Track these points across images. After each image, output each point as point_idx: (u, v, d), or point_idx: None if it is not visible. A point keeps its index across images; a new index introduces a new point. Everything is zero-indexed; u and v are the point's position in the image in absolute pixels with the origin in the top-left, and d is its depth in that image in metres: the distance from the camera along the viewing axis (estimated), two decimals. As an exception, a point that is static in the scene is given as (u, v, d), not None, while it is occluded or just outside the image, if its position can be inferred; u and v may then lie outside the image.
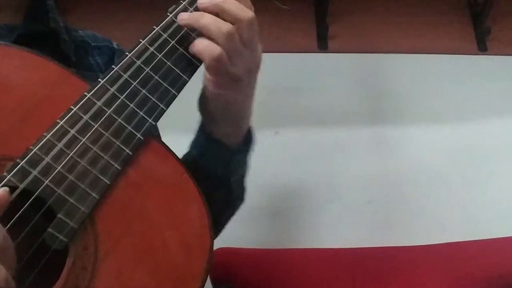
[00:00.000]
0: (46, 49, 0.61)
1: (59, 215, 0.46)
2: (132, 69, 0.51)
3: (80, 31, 0.69)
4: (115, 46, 0.70)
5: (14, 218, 0.44)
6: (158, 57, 0.52)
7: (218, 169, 0.59)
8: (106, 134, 0.49)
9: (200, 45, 0.50)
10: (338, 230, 1.16)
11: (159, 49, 0.52)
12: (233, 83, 0.52)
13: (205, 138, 0.59)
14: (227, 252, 0.98)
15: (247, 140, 0.60)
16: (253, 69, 0.53)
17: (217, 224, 0.62)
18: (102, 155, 0.49)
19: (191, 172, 0.52)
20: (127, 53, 0.52)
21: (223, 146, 0.58)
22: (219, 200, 0.59)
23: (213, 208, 0.52)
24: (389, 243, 1.08)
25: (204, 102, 0.57)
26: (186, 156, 0.62)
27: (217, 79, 0.52)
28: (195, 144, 0.62)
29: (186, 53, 0.53)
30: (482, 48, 1.32)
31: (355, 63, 1.30)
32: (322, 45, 1.29)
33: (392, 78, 1.28)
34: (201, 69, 0.55)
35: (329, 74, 1.26)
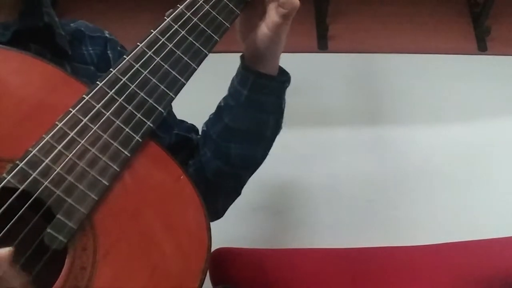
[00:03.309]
0: (42, 44, 0.62)
1: (58, 216, 0.47)
2: (130, 72, 0.52)
3: (72, 24, 0.70)
4: (107, 36, 0.71)
5: (14, 219, 0.45)
6: (156, 60, 0.53)
7: (270, 99, 0.66)
8: (105, 136, 0.50)
9: None
10: (338, 230, 1.16)
11: (157, 52, 0.53)
12: (286, 24, 0.61)
13: (254, 75, 0.64)
14: (227, 252, 0.98)
15: (282, 72, 0.68)
16: None
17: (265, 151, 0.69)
18: (101, 156, 0.49)
19: (189, 177, 0.53)
20: (125, 56, 0.52)
21: (273, 78, 0.65)
22: (272, 126, 0.68)
23: (266, 128, 0.66)
24: (389, 243, 1.08)
25: (264, 43, 0.63)
26: (235, 96, 0.66)
27: (284, 22, 0.61)
28: (242, 84, 0.65)
29: (183, 56, 0.54)
30: (482, 48, 1.32)
31: (355, 63, 1.30)
32: (322, 45, 1.30)
33: (392, 78, 1.28)
34: (199, 72, 0.55)
35: (329, 74, 1.27)
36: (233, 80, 0.67)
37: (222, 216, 0.74)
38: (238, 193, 0.73)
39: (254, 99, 0.65)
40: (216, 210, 0.72)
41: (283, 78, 0.67)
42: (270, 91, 0.65)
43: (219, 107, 0.68)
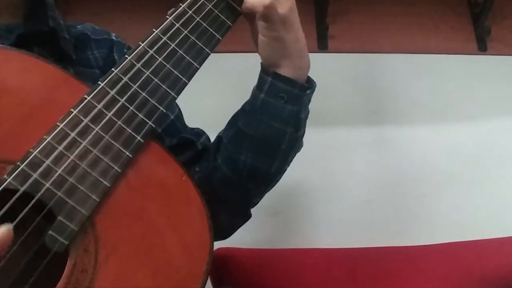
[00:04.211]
0: (46, 48, 0.61)
1: (60, 218, 0.46)
2: (131, 72, 0.51)
3: (78, 26, 0.69)
4: (114, 38, 0.70)
5: (15, 221, 0.45)
6: (158, 60, 0.52)
7: (287, 107, 0.62)
8: (106, 137, 0.49)
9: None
10: (338, 230, 1.16)
11: (159, 51, 0.53)
12: (281, 24, 0.58)
13: (271, 77, 0.61)
14: (227, 252, 0.98)
15: (308, 81, 0.65)
16: (293, 7, 0.59)
17: (285, 165, 0.66)
18: (102, 157, 0.49)
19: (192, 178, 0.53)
20: (126, 56, 0.52)
21: (294, 83, 0.61)
22: (288, 139, 0.63)
23: (281, 139, 0.61)
24: (389, 243, 1.08)
25: (263, 48, 0.61)
26: (252, 101, 0.63)
27: (269, 23, 0.58)
28: (260, 87, 0.62)
29: (185, 56, 0.53)
30: (482, 48, 1.32)
31: (355, 63, 1.29)
32: (322, 45, 1.29)
33: (392, 78, 1.28)
34: (198, 72, 0.55)
35: (329, 74, 1.26)
36: (253, 87, 0.64)
37: (228, 237, 0.70)
38: (247, 215, 0.69)
39: (270, 104, 0.61)
40: (221, 226, 0.65)
41: (306, 85, 0.63)
42: (287, 96, 0.61)
43: (235, 114, 0.66)
